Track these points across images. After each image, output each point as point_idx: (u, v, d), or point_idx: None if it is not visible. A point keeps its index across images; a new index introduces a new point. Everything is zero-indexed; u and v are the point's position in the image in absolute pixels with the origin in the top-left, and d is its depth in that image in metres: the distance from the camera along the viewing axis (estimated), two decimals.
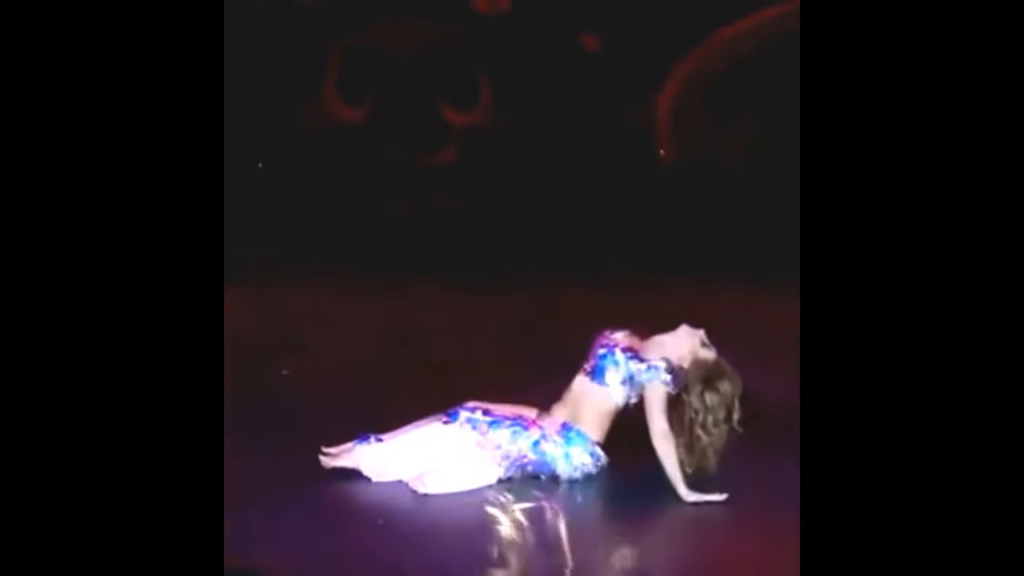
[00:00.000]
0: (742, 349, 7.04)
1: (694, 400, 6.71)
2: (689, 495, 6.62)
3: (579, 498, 6.73)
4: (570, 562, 6.11)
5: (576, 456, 6.79)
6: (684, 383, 6.73)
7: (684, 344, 6.82)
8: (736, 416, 6.70)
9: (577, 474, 6.80)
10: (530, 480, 6.77)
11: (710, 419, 6.70)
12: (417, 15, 12.85)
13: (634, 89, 12.55)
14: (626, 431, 6.86)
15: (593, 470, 6.82)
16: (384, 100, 12.84)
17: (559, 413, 6.86)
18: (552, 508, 6.59)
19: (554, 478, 6.80)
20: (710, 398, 6.71)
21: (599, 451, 6.82)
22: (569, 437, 6.79)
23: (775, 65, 11.00)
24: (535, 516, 6.52)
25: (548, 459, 6.78)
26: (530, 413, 6.88)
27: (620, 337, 6.88)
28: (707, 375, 6.73)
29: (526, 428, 6.78)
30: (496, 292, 10.22)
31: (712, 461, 6.72)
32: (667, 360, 6.74)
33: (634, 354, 6.80)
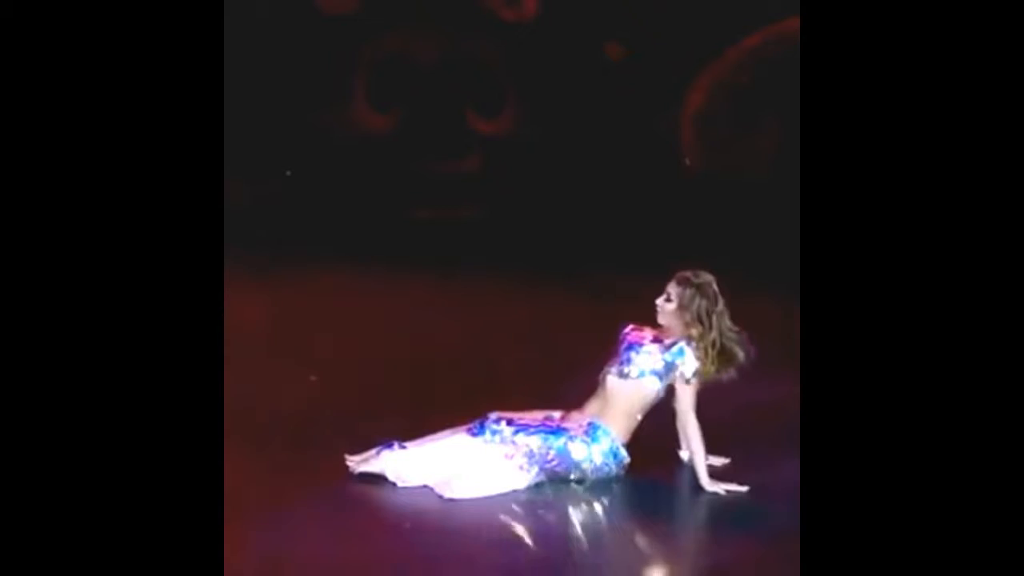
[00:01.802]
0: (766, 354, 7.07)
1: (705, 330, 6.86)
2: (710, 485, 6.78)
3: (596, 504, 6.77)
4: (588, 564, 6.18)
5: (599, 455, 6.84)
6: (695, 332, 6.85)
7: (673, 314, 6.90)
8: (720, 302, 6.88)
9: (601, 474, 6.86)
10: (553, 484, 6.80)
11: (723, 324, 6.85)
12: (444, 24, 12.88)
13: (658, 98, 12.56)
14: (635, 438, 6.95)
15: (615, 470, 6.88)
16: (411, 108, 12.87)
17: (590, 409, 6.92)
18: (569, 513, 6.66)
19: (579, 480, 6.85)
20: (713, 318, 6.84)
21: (622, 451, 6.88)
22: (595, 436, 6.85)
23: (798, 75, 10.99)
24: (558, 521, 6.58)
25: (573, 459, 6.83)
26: (555, 415, 6.94)
27: (646, 331, 6.98)
28: (697, 308, 6.84)
29: (553, 432, 6.84)
30: (519, 299, 10.23)
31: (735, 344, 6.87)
32: (685, 335, 6.86)
33: (659, 341, 6.91)
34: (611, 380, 6.91)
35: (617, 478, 6.87)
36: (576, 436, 6.84)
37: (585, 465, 6.84)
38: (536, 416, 6.93)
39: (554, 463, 6.81)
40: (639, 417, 6.92)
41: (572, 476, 6.85)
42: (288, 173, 12.65)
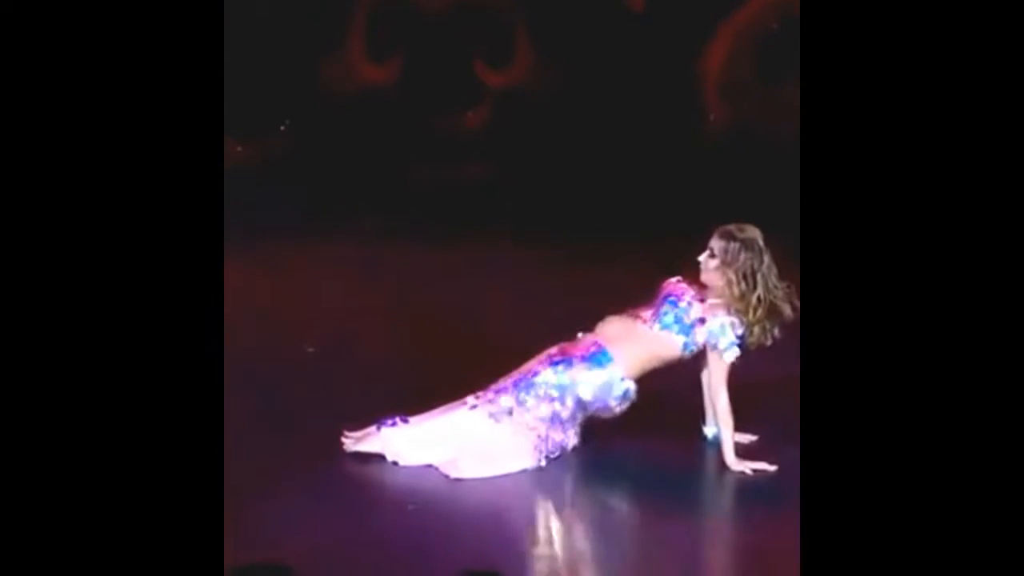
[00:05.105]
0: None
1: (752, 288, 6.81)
2: (737, 463, 6.80)
3: (614, 484, 6.81)
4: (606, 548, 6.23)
5: (600, 387, 6.79)
6: (737, 291, 6.79)
7: (717, 271, 6.83)
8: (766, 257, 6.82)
9: (602, 407, 6.82)
10: (565, 464, 6.79)
11: (770, 281, 6.80)
12: None
13: (680, 49, 12.51)
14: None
15: (618, 404, 6.83)
16: (414, 58, 12.83)
17: (605, 331, 6.89)
18: (584, 494, 6.76)
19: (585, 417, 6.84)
20: (759, 276, 6.79)
21: (627, 384, 6.82)
22: (598, 360, 6.82)
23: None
24: (572, 503, 6.68)
25: (578, 396, 6.77)
26: (552, 350, 6.89)
27: (688, 286, 6.93)
28: (742, 265, 6.78)
29: (553, 367, 6.78)
30: (529, 264, 10.21)
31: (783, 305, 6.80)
32: (727, 294, 6.82)
33: (700, 300, 6.87)
34: (640, 326, 6.87)
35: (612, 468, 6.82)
36: (575, 361, 6.80)
37: (587, 397, 6.79)
38: (531, 364, 6.87)
39: (560, 407, 6.76)
40: (652, 365, 6.88)
41: (579, 415, 6.81)
42: (283, 127, 12.64)
